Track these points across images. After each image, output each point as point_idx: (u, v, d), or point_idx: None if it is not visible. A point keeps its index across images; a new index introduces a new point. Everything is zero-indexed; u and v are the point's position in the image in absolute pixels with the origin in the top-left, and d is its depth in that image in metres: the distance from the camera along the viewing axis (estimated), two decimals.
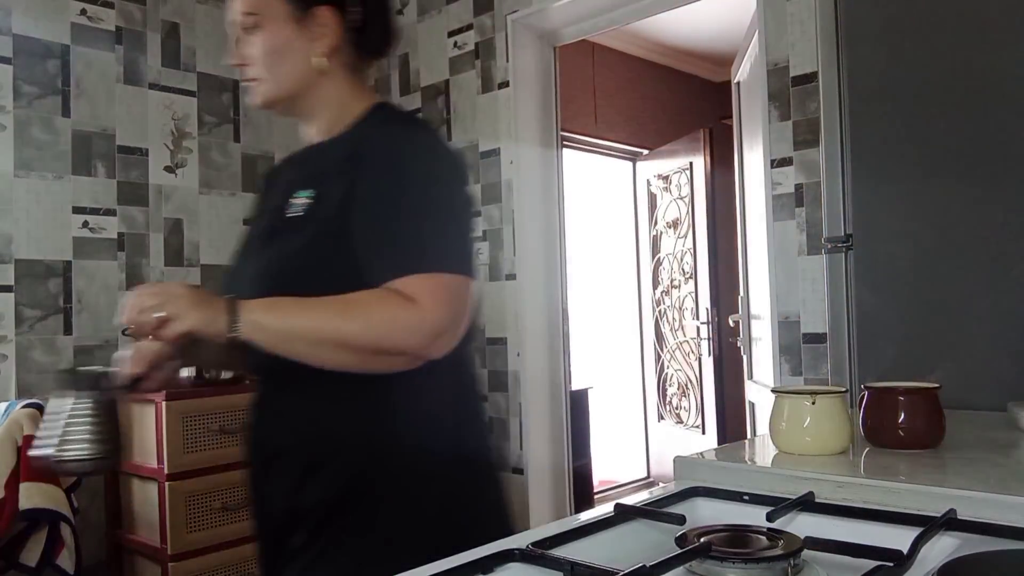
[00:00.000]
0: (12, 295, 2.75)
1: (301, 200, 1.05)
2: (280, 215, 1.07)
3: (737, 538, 0.69)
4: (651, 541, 0.77)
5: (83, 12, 2.95)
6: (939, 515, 0.72)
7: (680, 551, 0.64)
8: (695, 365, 4.89)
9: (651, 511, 0.79)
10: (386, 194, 1.02)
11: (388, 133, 1.07)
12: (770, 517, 0.75)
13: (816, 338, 2.31)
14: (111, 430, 1.04)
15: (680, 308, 5.00)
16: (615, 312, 5.35)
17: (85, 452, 1.01)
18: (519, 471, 3.09)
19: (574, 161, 4.74)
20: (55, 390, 1.10)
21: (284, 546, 1.04)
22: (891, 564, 0.61)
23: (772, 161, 2.42)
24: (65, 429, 1.01)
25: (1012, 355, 1.50)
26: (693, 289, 4.85)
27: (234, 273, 1.14)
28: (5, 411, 2.45)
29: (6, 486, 2.29)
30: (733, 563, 0.65)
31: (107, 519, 2.87)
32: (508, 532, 0.87)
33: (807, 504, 0.80)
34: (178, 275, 3.10)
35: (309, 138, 1.16)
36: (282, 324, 0.96)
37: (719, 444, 4.52)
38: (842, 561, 0.65)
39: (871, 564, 0.61)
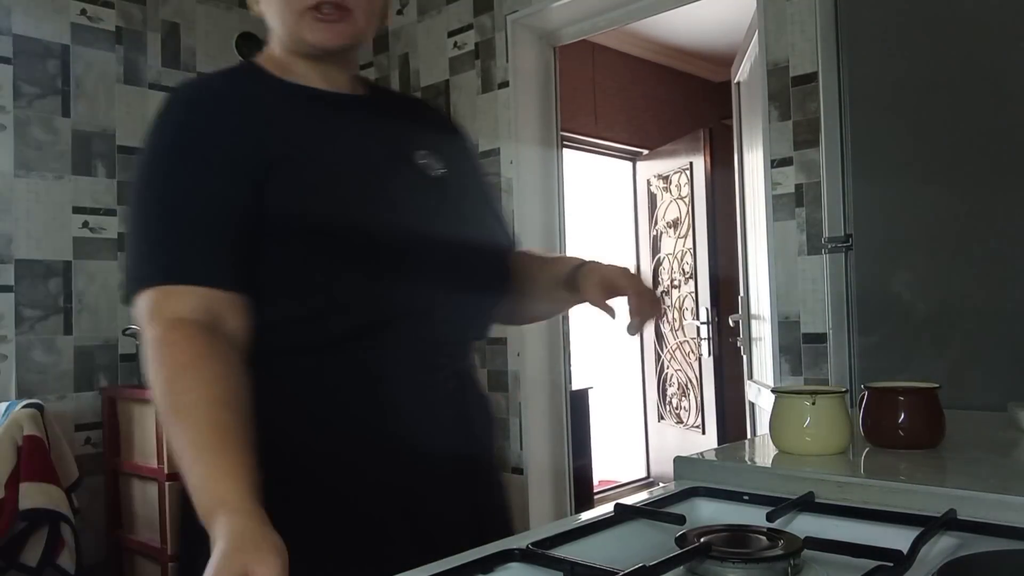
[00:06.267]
0: (12, 295, 2.75)
1: (434, 162, 1.05)
2: (420, 170, 1.03)
3: (737, 538, 0.69)
4: (651, 541, 0.77)
5: (83, 12, 2.95)
6: (939, 515, 0.72)
7: (680, 551, 0.64)
8: (695, 365, 4.90)
9: (651, 511, 0.79)
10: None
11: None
12: (770, 517, 0.75)
13: (816, 338, 2.31)
14: None
15: (680, 308, 5.00)
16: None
17: None
18: (519, 471, 3.09)
19: (574, 161, 4.74)
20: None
21: None
22: (891, 564, 0.61)
23: (772, 161, 2.42)
24: None
25: (1012, 355, 1.50)
26: (693, 289, 4.85)
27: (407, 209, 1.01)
28: (5, 411, 2.45)
29: (6, 486, 2.29)
30: (733, 563, 0.65)
31: (107, 519, 2.87)
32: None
33: (807, 504, 0.80)
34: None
35: (333, 84, 1.05)
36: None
37: (719, 444, 4.52)
38: (842, 561, 0.65)
39: (871, 564, 0.61)
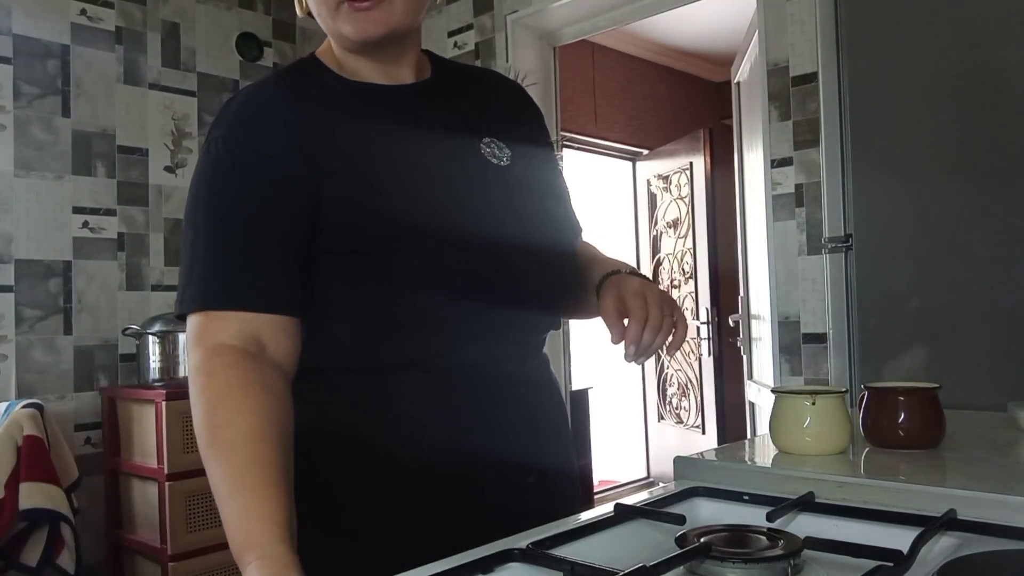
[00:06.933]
0: (12, 295, 2.75)
1: (499, 150, 1.00)
2: (483, 161, 0.98)
3: (737, 538, 0.69)
4: (651, 541, 0.77)
5: (83, 12, 2.95)
6: (939, 515, 0.72)
7: (680, 551, 0.64)
8: (695, 365, 4.90)
9: (651, 511, 0.79)
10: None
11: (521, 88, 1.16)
12: (770, 517, 0.75)
13: (816, 338, 2.31)
14: None
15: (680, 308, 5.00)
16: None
17: None
18: None
19: (574, 161, 4.74)
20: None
21: None
22: (891, 564, 0.61)
23: (772, 161, 2.42)
24: None
25: (1012, 355, 1.50)
26: (693, 289, 4.85)
27: (472, 204, 0.96)
28: (5, 411, 2.45)
29: (6, 486, 2.29)
30: (733, 563, 0.64)
31: (107, 519, 2.87)
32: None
33: (807, 504, 0.80)
34: (178, 275, 3.10)
35: (394, 78, 1.01)
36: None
37: (719, 444, 4.52)
38: (842, 561, 0.65)
39: (871, 564, 0.61)
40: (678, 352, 5.03)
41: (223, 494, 0.75)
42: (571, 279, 1.05)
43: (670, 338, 0.93)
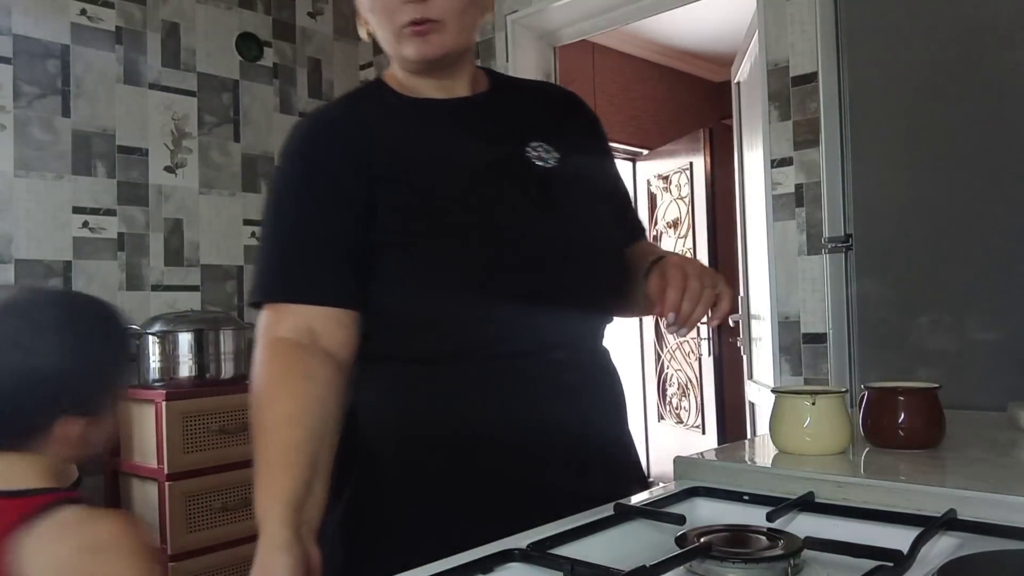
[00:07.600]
0: None
1: (546, 154, 1.07)
2: (529, 166, 1.05)
3: (737, 538, 0.69)
4: (651, 541, 0.77)
5: (83, 12, 2.95)
6: (939, 515, 0.72)
7: (680, 551, 0.64)
8: (695, 365, 4.90)
9: (651, 511, 0.79)
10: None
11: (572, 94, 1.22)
12: (770, 517, 0.75)
13: (816, 338, 2.31)
14: None
15: None
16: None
17: None
18: None
19: None
20: None
21: None
22: (891, 564, 0.61)
23: (772, 161, 2.42)
24: None
25: (1012, 355, 1.50)
26: None
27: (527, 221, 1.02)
28: None
29: None
30: (733, 563, 0.65)
31: None
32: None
33: (807, 504, 0.80)
34: (178, 275, 3.10)
35: (450, 93, 1.08)
36: None
37: (719, 444, 4.52)
38: (842, 561, 0.65)
39: (871, 564, 0.61)
40: (678, 352, 5.04)
41: (256, 471, 0.87)
42: (618, 275, 1.09)
43: (711, 310, 0.96)
